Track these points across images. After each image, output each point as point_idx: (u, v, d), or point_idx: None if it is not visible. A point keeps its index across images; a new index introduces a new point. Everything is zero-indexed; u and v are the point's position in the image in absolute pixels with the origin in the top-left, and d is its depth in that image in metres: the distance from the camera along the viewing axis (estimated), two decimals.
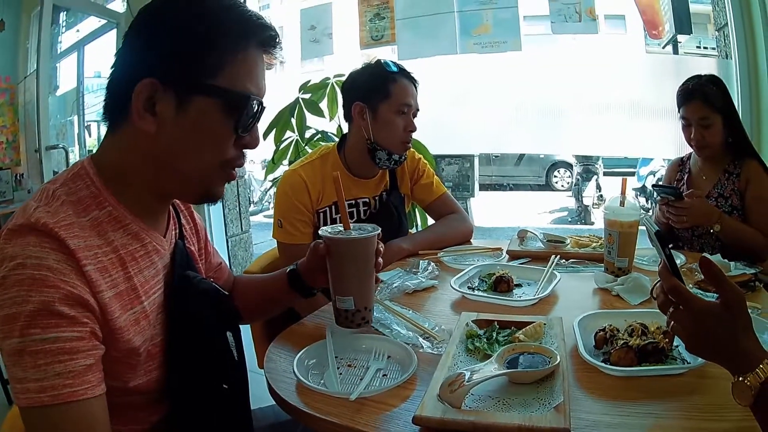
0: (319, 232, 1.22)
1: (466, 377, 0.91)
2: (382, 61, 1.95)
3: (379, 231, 1.21)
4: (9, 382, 0.80)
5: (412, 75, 1.96)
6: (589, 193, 8.77)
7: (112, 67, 0.93)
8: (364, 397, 0.98)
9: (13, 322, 0.76)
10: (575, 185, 9.00)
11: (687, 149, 2.24)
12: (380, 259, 1.23)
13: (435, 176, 2.20)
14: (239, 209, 4.48)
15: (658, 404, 0.94)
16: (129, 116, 0.88)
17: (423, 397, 0.92)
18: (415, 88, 1.96)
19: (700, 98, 2.02)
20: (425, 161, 2.20)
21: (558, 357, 1.00)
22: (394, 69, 1.92)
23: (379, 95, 1.90)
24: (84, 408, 0.78)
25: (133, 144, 0.91)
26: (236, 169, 0.97)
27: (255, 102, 0.91)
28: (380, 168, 1.98)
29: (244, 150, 0.96)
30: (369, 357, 1.15)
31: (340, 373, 1.09)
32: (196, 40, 0.87)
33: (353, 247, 1.18)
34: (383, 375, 1.08)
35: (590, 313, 1.26)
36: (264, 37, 0.92)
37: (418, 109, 1.96)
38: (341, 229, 1.22)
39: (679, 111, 2.12)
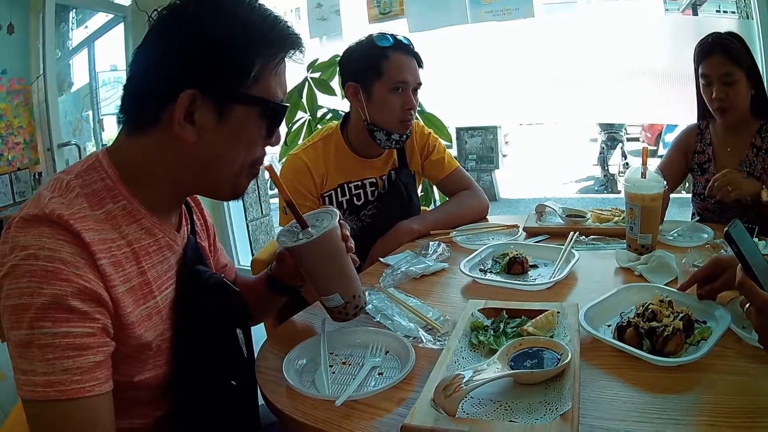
0: (277, 241, 1.13)
1: (464, 379, 0.81)
2: (374, 35, 1.81)
3: (339, 214, 1.10)
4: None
5: (410, 47, 1.81)
6: (615, 162, 8.54)
7: (131, 68, 0.91)
8: (355, 400, 0.90)
9: (22, 313, 0.75)
10: (600, 154, 8.77)
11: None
12: (351, 243, 1.13)
13: (447, 151, 2.09)
14: (258, 193, 4.44)
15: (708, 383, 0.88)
16: (159, 122, 0.88)
17: (416, 402, 0.83)
18: (417, 60, 1.82)
19: (721, 51, 1.80)
20: (435, 136, 2.09)
21: (569, 353, 0.89)
22: (387, 43, 1.78)
23: (371, 74, 1.78)
24: (90, 404, 0.77)
25: (163, 149, 0.90)
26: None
27: (285, 109, 0.95)
28: (383, 148, 1.88)
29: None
30: (365, 353, 1.06)
31: (333, 372, 1.01)
32: (241, 53, 0.87)
33: (317, 247, 1.06)
34: (379, 374, 0.99)
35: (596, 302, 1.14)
36: (293, 45, 0.94)
37: (419, 83, 1.82)
38: (297, 228, 1.11)
39: (697, 70, 1.90)
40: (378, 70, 1.77)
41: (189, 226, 1.08)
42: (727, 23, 2.81)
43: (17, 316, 0.75)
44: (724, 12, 3.06)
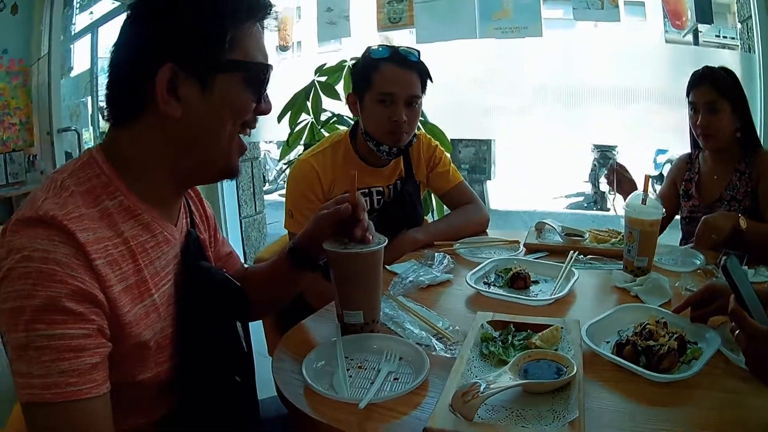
0: (324, 246, 1.18)
1: (481, 388, 0.88)
2: (371, 47, 1.85)
3: (386, 241, 1.19)
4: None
5: (408, 59, 1.80)
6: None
7: (110, 60, 0.92)
8: (374, 403, 0.95)
9: (18, 316, 0.75)
10: (592, 171, 8.90)
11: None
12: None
13: (452, 164, 2.16)
14: (253, 190, 4.47)
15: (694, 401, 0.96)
16: (143, 107, 0.88)
17: (434, 406, 0.89)
18: (419, 72, 1.82)
19: (709, 82, 1.98)
20: (442, 149, 2.15)
21: (575, 367, 0.96)
22: (380, 54, 1.80)
23: (364, 85, 1.83)
24: (87, 407, 0.77)
25: (152, 133, 0.90)
26: (244, 137, 0.99)
27: (269, 69, 0.95)
28: (380, 157, 1.92)
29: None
30: (380, 358, 1.11)
31: (350, 376, 1.06)
32: (212, 20, 0.88)
33: (363, 260, 1.15)
34: (394, 379, 1.05)
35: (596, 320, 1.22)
36: (263, 8, 0.95)
37: (414, 96, 1.82)
38: (346, 240, 1.18)
39: (688, 97, 2.06)
40: (368, 81, 1.81)
41: (188, 219, 1.08)
42: (729, 56, 2.88)
43: (14, 319, 0.76)
44: (724, 37, 3.14)
